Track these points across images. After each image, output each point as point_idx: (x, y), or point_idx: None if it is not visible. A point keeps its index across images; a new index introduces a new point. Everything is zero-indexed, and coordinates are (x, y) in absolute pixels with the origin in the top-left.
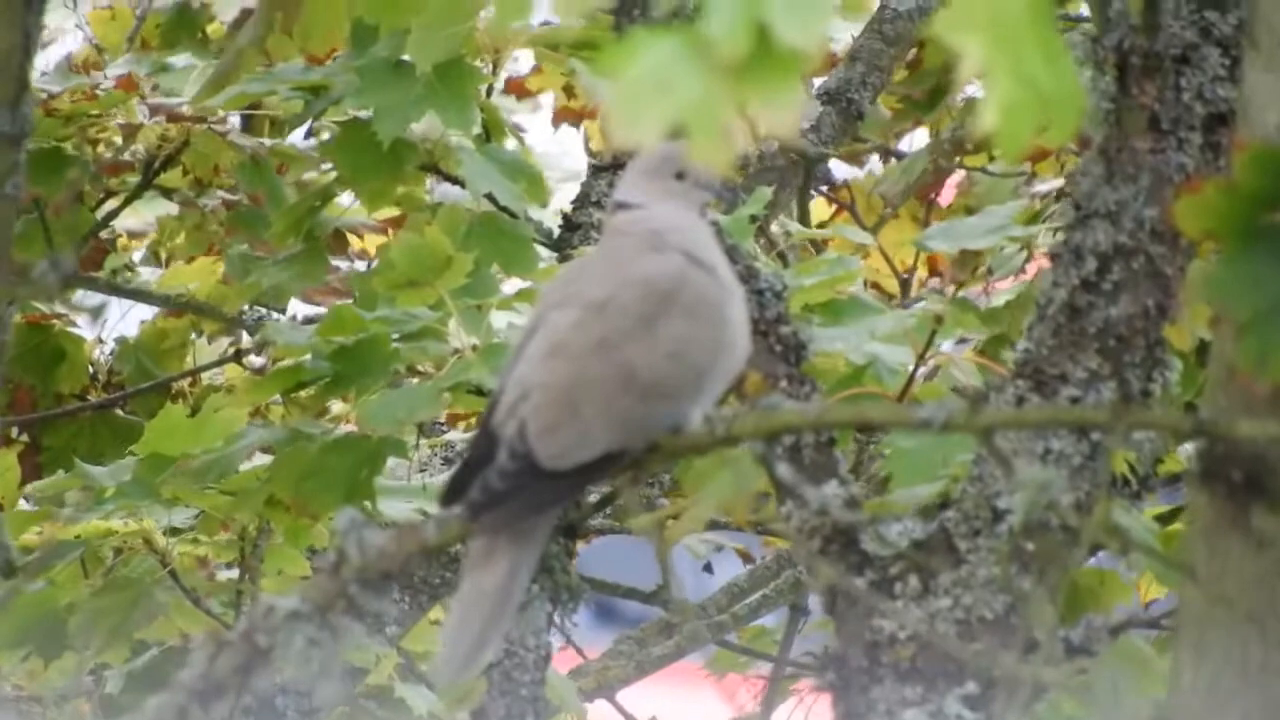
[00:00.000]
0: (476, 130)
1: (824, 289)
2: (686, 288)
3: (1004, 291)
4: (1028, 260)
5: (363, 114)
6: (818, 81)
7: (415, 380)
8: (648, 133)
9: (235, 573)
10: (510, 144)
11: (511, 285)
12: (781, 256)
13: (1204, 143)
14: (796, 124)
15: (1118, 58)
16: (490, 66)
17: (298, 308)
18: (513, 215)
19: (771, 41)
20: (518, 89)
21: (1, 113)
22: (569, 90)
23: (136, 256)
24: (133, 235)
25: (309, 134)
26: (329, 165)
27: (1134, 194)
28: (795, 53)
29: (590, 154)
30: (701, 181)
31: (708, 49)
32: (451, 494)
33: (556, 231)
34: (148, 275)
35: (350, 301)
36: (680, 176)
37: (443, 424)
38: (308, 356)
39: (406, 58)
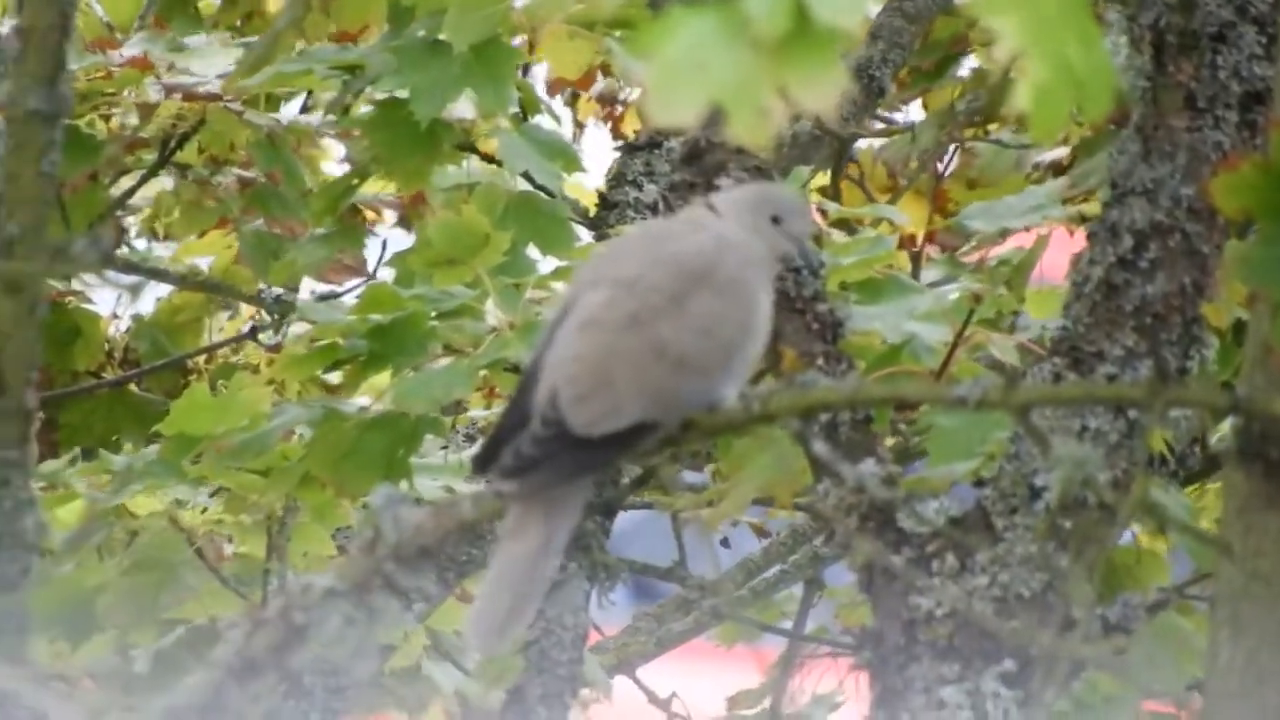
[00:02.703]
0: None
1: (862, 268)
2: (719, 268)
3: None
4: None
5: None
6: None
7: (452, 358)
8: (684, 113)
9: (249, 551)
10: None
11: (548, 264)
12: (815, 238)
13: (1240, 121)
14: (835, 104)
15: (1154, 36)
16: (526, 45)
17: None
18: (549, 194)
19: (810, 20)
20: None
21: (39, 91)
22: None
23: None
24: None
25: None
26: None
27: (1170, 172)
28: (834, 32)
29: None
30: (792, 234)
31: (746, 28)
32: (481, 464)
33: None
34: (162, 252)
35: (368, 279)
36: (776, 221)
37: (464, 401)
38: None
39: (443, 37)
